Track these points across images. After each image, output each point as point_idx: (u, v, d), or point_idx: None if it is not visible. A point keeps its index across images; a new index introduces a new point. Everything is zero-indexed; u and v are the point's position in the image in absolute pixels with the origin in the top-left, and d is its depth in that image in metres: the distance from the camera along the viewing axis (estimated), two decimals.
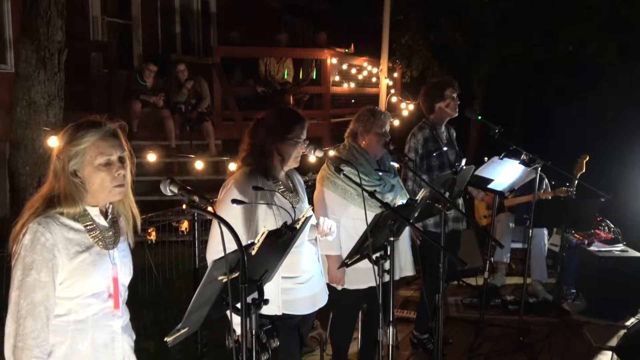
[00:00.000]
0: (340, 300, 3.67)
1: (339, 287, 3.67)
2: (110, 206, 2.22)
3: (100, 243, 2.15)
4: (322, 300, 3.12)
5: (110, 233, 2.20)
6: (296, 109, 3.19)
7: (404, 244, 3.94)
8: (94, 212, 2.16)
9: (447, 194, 3.69)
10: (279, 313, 2.87)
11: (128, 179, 2.19)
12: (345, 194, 3.67)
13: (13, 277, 2.04)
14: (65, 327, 2.09)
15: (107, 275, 2.15)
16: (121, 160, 2.15)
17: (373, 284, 3.60)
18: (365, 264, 3.13)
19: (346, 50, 11.20)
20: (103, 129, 2.13)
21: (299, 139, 2.96)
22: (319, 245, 3.18)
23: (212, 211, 2.14)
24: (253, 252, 2.11)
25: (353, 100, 10.99)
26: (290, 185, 3.05)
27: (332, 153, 3.99)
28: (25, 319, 1.99)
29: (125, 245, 2.26)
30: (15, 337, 1.99)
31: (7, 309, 2.05)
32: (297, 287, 2.93)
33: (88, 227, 2.13)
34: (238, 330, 2.19)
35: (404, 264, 3.95)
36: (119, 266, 2.20)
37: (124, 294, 2.24)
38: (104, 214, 2.20)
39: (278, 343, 2.30)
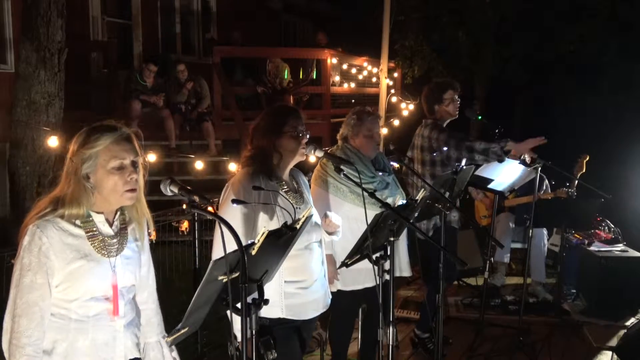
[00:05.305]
0: (337, 302, 3.66)
1: (334, 289, 3.65)
2: (118, 213, 2.21)
3: (102, 251, 2.14)
4: (325, 304, 3.08)
5: (115, 241, 2.19)
6: (287, 104, 3.16)
7: (401, 245, 3.94)
8: (99, 219, 2.16)
9: (447, 194, 3.69)
10: (282, 316, 2.85)
11: (140, 183, 2.18)
12: (337, 191, 3.67)
13: (13, 275, 2.09)
14: (66, 325, 2.11)
15: (105, 282, 2.14)
16: (134, 164, 2.15)
17: (369, 284, 3.60)
18: (361, 264, 3.12)
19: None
20: (117, 132, 2.14)
21: (295, 129, 2.92)
22: (324, 248, 3.15)
23: (212, 211, 2.14)
24: (253, 252, 2.10)
25: (353, 100, 10.99)
26: (295, 186, 3.02)
27: None
28: (20, 317, 2.04)
29: (132, 253, 2.25)
30: (11, 334, 2.04)
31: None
32: (300, 291, 2.89)
33: (89, 234, 2.13)
34: (239, 336, 2.17)
35: (402, 265, 3.95)
36: (121, 274, 2.18)
37: (126, 297, 2.22)
38: (110, 222, 2.19)
39: (275, 355, 2.30)
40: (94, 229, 2.14)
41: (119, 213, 2.22)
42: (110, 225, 2.19)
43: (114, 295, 2.16)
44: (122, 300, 2.20)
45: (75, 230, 2.11)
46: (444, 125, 4.61)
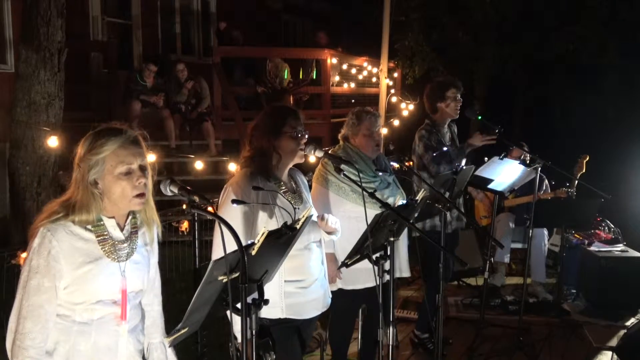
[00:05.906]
0: (337, 301, 3.66)
1: (334, 288, 3.65)
2: (130, 217, 2.20)
3: (112, 255, 2.13)
4: (325, 303, 3.09)
5: (125, 245, 2.17)
6: (287, 104, 3.16)
7: (401, 245, 3.94)
8: (110, 223, 2.14)
9: (447, 194, 3.69)
10: (282, 316, 2.85)
11: (149, 187, 2.15)
12: (339, 190, 3.67)
13: (21, 276, 2.07)
14: (70, 327, 2.10)
15: (114, 286, 2.13)
16: (142, 168, 2.11)
17: (370, 284, 3.59)
18: (361, 264, 3.12)
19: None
20: (123, 136, 2.10)
21: (295, 130, 2.91)
22: (323, 248, 3.15)
23: (212, 211, 2.14)
24: (253, 252, 2.10)
25: (353, 100, 11.00)
26: (293, 186, 3.02)
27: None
28: (25, 319, 2.03)
29: (142, 257, 2.23)
30: (15, 335, 2.03)
31: (6, 310, 2.09)
32: (300, 291, 2.90)
33: (100, 238, 2.11)
34: (239, 337, 2.17)
35: (402, 265, 3.95)
36: (130, 278, 2.17)
37: (133, 302, 2.21)
38: (121, 226, 2.17)
39: (274, 357, 2.29)
40: (105, 233, 2.12)
41: (130, 217, 2.20)
42: (122, 229, 2.17)
43: (123, 300, 2.15)
44: (129, 304, 2.19)
45: (85, 234, 2.09)
46: (446, 124, 4.62)
